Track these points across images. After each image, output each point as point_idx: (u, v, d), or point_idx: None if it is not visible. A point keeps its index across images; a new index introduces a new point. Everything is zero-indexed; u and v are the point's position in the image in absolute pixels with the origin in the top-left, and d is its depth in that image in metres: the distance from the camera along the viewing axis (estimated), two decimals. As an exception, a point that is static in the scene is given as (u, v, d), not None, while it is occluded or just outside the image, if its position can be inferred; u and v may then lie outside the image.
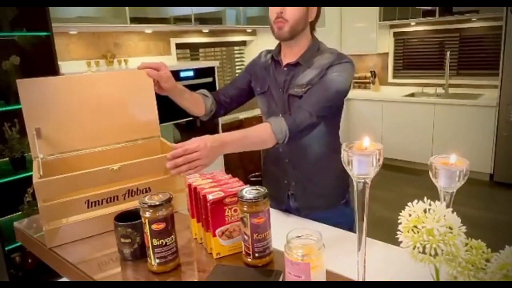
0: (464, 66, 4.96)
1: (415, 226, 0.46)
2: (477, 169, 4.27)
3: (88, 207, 1.06)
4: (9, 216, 2.64)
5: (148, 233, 0.86)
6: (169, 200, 0.87)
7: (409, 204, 0.49)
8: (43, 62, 2.52)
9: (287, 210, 1.49)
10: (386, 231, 1.21)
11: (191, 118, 3.24)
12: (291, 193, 1.49)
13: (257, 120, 3.95)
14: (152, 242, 0.86)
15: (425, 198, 0.50)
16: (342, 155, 0.63)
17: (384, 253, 1.04)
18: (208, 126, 3.46)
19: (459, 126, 4.41)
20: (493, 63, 4.53)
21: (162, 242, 0.86)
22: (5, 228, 2.42)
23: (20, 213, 2.65)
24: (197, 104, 1.45)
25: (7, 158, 2.51)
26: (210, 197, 0.90)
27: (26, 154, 2.54)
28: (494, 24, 4.52)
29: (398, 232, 0.49)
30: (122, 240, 0.93)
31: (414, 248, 0.46)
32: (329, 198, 1.49)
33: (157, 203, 0.85)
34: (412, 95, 5.04)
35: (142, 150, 1.28)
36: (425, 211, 0.47)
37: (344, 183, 1.54)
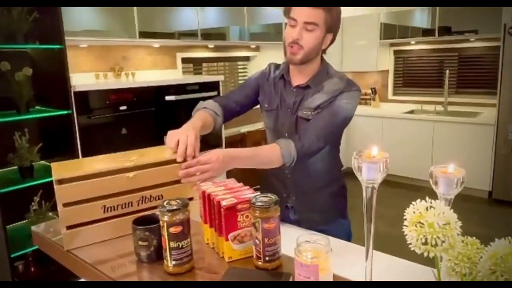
0: (463, 85, 5.05)
1: (419, 222, 0.53)
2: (476, 186, 4.32)
3: (104, 212, 1.11)
4: (14, 224, 2.67)
5: (166, 236, 0.91)
6: (186, 205, 0.93)
7: (413, 202, 0.56)
8: (55, 74, 2.60)
9: (283, 220, 1.52)
10: (389, 247, 1.23)
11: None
12: (291, 206, 1.52)
13: (259, 133, 4.02)
14: (169, 245, 0.92)
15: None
16: (352, 162, 0.69)
17: (388, 264, 1.07)
18: (210, 139, 3.53)
19: (458, 143, 4.48)
20: (491, 82, 4.63)
21: (178, 245, 0.92)
22: (10, 236, 2.45)
23: (25, 221, 2.68)
24: (208, 129, 1.45)
25: (15, 167, 2.56)
26: (224, 203, 0.95)
27: (34, 163, 2.59)
28: (492, 45, 4.63)
29: (404, 227, 0.55)
30: (140, 243, 0.98)
31: (417, 240, 0.52)
32: (328, 213, 1.53)
33: (175, 207, 0.91)
34: (411, 112, 5.13)
35: (154, 158, 1.33)
36: (427, 208, 0.54)
37: (343, 198, 1.58)
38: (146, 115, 3.00)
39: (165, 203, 0.92)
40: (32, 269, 2.68)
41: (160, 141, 3.26)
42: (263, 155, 1.28)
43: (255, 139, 3.89)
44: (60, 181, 1.05)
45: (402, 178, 4.84)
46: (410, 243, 0.52)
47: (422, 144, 4.72)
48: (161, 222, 0.92)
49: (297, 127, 1.41)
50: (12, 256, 2.46)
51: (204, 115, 1.41)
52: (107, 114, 2.79)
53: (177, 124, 3.66)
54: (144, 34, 3.16)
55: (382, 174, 0.66)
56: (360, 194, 0.72)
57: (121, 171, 1.12)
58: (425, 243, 0.51)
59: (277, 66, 1.55)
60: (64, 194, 1.05)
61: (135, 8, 3.05)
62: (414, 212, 0.53)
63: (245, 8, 4.15)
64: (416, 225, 0.52)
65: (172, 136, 1.24)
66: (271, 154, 1.27)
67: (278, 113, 1.47)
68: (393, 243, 0.94)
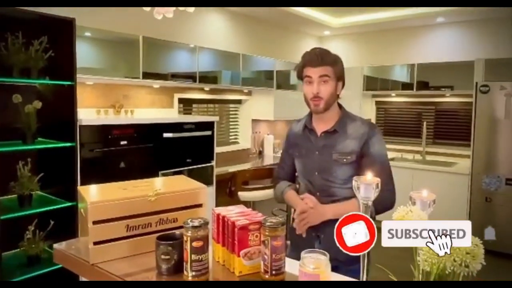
0: (439, 136, 5.40)
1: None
2: (452, 233, 4.52)
3: (127, 231, 1.26)
4: (6, 252, 2.68)
5: (188, 249, 1.06)
6: (206, 223, 1.09)
7: (398, 208, 0.77)
8: (62, 108, 2.75)
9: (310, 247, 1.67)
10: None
11: (180, 169, 3.45)
12: (316, 234, 1.68)
13: (249, 173, 4.19)
14: (191, 257, 1.06)
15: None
16: (353, 184, 0.89)
17: None
18: (202, 178, 3.67)
19: (436, 191, 4.59)
20: (465, 135, 4.95)
21: (199, 258, 1.07)
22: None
23: (18, 250, 2.70)
24: None
25: (15, 195, 2.62)
26: (238, 223, 1.12)
27: (34, 192, 2.67)
28: (466, 100, 5.01)
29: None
30: (163, 256, 1.12)
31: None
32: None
33: (198, 224, 1.07)
34: (392, 159, 5.40)
35: (173, 188, 1.49)
36: (407, 212, 0.74)
37: None
38: (144, 150, 3.16)
39: (189, 221, 1.08)
40: (19, 298, 2.67)
41: (155, 175, 3.36)
42: (345, 211, 1.55)
43: (245, 178, 4.05)
44: (92, 202, 1.20)
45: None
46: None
47: (402, 190, 4.88)
48: (184, 237, 1.07)
49: (331, 168, 1.66)
50: (0, 285, 2.47)
51: (292, 192, 1.80)
52: (108, 148, 2.94)
53: (173, 160, 3.81)
54: (146, 75, 3.39)
55: (374, 193, 0.87)
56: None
57: (144, 195, 1.28)
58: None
59: (298, 121, 1.86)
60: (95, 213, 1.20)
61: (141, 50, 3.30)
62: (399, 213, 0.74)
63: (240, 54, 4.47)
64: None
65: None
66: (353, 208, 1.56)
67: (307, 157, 1.73)
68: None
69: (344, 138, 1.67)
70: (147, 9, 1.26)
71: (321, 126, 1.72)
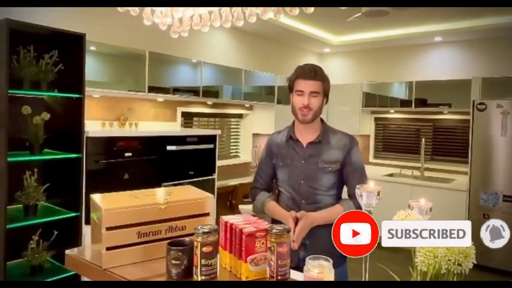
0: (437, 153, 5.46)
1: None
2: (450, 248, 4.54)
3: (138, 237, 1.31)
4: (10, 262, 2.70)
5: (199, 254, 1.12)
6: (216, 230, 1.15)
7: (398, 212, 0.83)
8: (69, 120, 2.81)
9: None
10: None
11: (183, 181, 3.50)
12: (305, 254, 1.71)
13: (250, 186, 4.25)
14: (200, 262, 1.12)
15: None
16: (356, 192, 0.96)
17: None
18: (201, 189, 3.72)
19: (434, 207, 4.70)
20: (463, 151, 5.02)
21: (208, 262, 1.12)
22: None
23: (21, 259, 2.73)
24: None
25: (21, 205, 2.67)
26: (245, 230, 1.17)
27: (39, 202, 2.71)
28: (463, 118, 5.09)
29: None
30: (173, 261, 1.17)
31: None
32: (336, 256, 1.75)
33: (208, 230, 1.12)
34: (391, 175, 5.46)
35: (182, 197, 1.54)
36: (406, 216, 0.81)
37: None
38: (148, 162, 3.22)
39: (199, 227, 1.14)
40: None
41: (158, 187, 3.41)
42: (332, 217, 1.65)
43: (246, 191, 4.11)
44: (106, 209, 1.26)
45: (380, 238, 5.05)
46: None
47: (401, 206, 4.93)
48: (195, 243, 1.13)
49: (317, 176, 1.76)
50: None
51: (274, 203, 1.87)
52: (113, 159, 2.99)
53: (176, 172, 3.86)
54: (151, 89, 3.47)
55: (375, 200, 0.94)
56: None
57: (155, 203, 1.34)
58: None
59: (278, 132, 1.94)
60: (108, 219, 1.25)
61: (147, 65, 3.39)
62: (398, 216, 0.81)
63: (242, 69, 4.57)
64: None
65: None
66: (338, 214, 1.66)
67: (292, 166, 1.81)
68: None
69: (328, 148, 1.79)
70: (164, 27, 1.33)
71: (305, 137, 1.82)
